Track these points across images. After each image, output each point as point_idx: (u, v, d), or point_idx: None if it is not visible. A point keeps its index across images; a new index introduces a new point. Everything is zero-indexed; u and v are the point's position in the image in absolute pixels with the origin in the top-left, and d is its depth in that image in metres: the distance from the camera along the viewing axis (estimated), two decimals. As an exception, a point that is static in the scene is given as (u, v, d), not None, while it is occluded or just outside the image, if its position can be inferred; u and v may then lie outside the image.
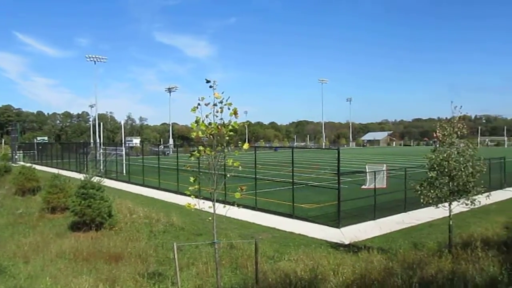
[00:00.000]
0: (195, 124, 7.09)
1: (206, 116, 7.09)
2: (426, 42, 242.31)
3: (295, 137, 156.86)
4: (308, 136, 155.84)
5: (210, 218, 7.71)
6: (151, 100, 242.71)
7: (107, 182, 34.41)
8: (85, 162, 42.23)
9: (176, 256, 8.06)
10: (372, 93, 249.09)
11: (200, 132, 7.10)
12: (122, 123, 77.66)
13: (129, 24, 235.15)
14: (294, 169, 20.94)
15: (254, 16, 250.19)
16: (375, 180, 23.12)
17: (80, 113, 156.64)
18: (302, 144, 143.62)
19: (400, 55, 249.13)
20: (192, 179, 7.36)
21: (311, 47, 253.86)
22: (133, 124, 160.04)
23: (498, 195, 24.16)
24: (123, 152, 42.41)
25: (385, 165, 32.73)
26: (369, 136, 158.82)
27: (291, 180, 20.54)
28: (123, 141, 55.92)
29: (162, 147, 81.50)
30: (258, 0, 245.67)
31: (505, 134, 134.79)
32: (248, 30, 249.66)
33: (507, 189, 28.58)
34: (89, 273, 10.98)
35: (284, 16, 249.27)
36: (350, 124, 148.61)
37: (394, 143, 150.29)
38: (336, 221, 17.57)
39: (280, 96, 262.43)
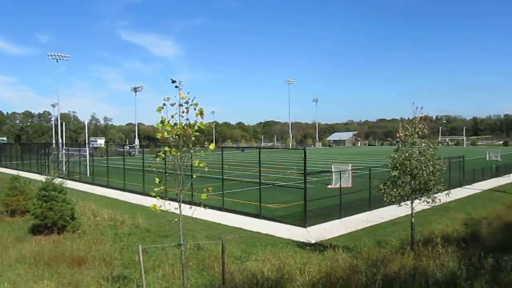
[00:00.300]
0: (161, 125, 7.01)
1: (172, 117, 7.02)
2: (389, 43, 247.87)
3: (262, 138, 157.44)
4: (275, 136, 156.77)
5: (176, 220, 7.62)
6: (116, 100, 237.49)
7: (70, 184, 33.30)
8: (46, 164, 40.97)
9: (141, 259, 7.93)
10: (338, 94, 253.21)
11: (165, 133, 7.02)
12: (86, 123, 75.78)
13: (92, 21, 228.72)
14: (261, 169, 21.01)
15: (221, 16, 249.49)
16: (340, 180, 23.51)
17: (41, 112, 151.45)
18: (269, 144, 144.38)
19: (366, 55, 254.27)
20: (157, 180, 7.27)
21: (278, 47, 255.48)
22: (97, 124, 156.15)
23: (458, 193, 25.05)
24: (87, 153, 41.38)
25: (350, 164, 33.30)
26: (335, 136, 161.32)
27: (258, 180, 20.60)
28: (86, 142, 54.62)
29: (128, 147, 79.99)
30: (225, 0, 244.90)
31: (464, 134, 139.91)
32: (215, 30, 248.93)
33: (466, 186, 29.67)
34: (51, 278, 10.64)
35: (251, 16, 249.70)
36: (317, 124, 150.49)
37: (359, 143, 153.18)
38: (303, 220, 17.76)
39: (247, 96, 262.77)
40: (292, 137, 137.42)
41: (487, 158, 56.80)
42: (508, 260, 7.95)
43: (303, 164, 18.47)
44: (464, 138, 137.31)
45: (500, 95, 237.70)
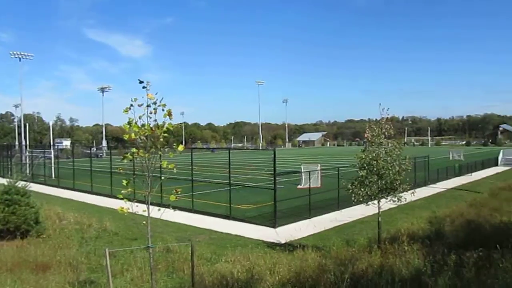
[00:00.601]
0: (128, 126, 6.89)
1: (140, 118, 6.90)
2: (356, 47, 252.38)
3: (232, 138, 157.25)
4: (245, 137, 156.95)
5: (144, 222, 7.50)
6: (82, 100, 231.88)
7: (34, 187, 32.47)
8: (9, 166, 39.53)
9: (108, 263, 7.77)
10: (307, 95, 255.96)
11: (133, 134, 6.90)
12: (51, 124, 73.49)
13: (57, 19, 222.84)
14: (231, 170, 20.98)
15: (191, 16, 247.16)
16: (310, 180, 23.77)
17: (3, 113, 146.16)
18: (240, 145, 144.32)
19: (334, 56, 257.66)
20: (125, 182, 7.13)
21: (247, 47, 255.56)
22: (63, 125, 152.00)
23: (423, 192, 25.76)
24: (52, 155, 40.27)
25: (319, 165, 33.70)
26: (304, 136, 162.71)
27: (228, 181, 20.57)
28: (51, 143, 53.11)
29: (95, 149, 78.28)
30: (195, 0, 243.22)
31: (429, 134, 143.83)
32: (185, 31, 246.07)
33: (430, 185, 30.54)
34: (14, 285, 10.27)
35: (221, 17, 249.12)
36: (286, 125, 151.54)
37: (328, 143, 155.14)
38: (273, 221, 17.84)
39: (217, 97, 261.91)
40: (262, 137, 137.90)
41: (451, 158, 58.58)
42: (470, 256, 8.22)
43: (273, 165, 18.56)
44: (429, 138, 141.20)
45: (462, 97, 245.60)
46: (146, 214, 7.37)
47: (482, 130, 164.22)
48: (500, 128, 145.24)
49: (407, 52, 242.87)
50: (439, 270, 7.73)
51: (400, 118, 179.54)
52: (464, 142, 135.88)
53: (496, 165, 49.83)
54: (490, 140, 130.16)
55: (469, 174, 38.94)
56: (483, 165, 46.01)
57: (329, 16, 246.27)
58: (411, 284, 7.05)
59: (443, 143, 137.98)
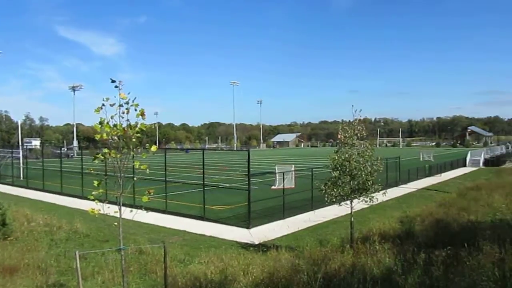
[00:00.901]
0: (99, 126, 6.76)
1: (111, 117, 6.79)
2: (329, 50, 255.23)
3: (206, 139, 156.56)
4: (219, 137, 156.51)
5: (116, 224, 7.39)
6: (53, 99, 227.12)
7: (1, 188, 31.69)
8: (-26, 167, 38.32)
9: (78, 265, 7.61)
10: (281, 96, 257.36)
11: (104, 134, 6.78)
12: (19, 123, 71.37)
13: (25, 15, 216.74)
14: (206, 171, 20.87)
15: (166, 15, 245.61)
16: (284, 181, 23.87)
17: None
18: (214, 145, 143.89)
19: (309, 57, 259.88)
20: (96, 183, 7.00)
21: (223, 48, 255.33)
22: (32, 124, 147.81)
23: (394, 192, 26.28)
24: (20, 155, 39.16)
25: (293, 165, 33.92)
26: (279, 137, 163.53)
27: (202, 182, 20.46)
28: (20, 143, 51.67)
29: (66, 149, 76.59)
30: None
31: (400, 136, 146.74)
32: (159, 30, 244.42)
33: (401, 186, 31.16)
34: (-21, 289, 9.98)
35: (196, 17, 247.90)
36: (261, 126, 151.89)
37: (302, 144, 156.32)
38: (247, 221, 17.85)
39: (191, 97, 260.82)
40: (237, 138, 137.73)
41: (421, 159, 59.91)
42: (438, 254, 8.43)
43: (247, 166, 18.56)
44: (400, 139, 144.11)
45: (433, 99, 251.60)
46: (117, 215, 7.26)
47: (451, 131, 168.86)
48: (468, 130, 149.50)
49: (382, 53, 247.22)
50: (409, 269, 7.90)
51: (373, 119, 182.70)
52: (434, 143, 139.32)
53: (464, 165, 51.26)
54: (459, 142, 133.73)
55: (439, 175, 39.93)
56: (452, 166, 47.28)
57: (306, 16, 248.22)
58: (382, 283, 7.17)
59: (414, 144, 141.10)
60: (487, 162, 52.47)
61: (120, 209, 7.18)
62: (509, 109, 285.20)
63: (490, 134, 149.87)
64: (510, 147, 70.99)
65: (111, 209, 7.15)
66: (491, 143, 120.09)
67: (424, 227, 13.96)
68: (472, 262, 7.64)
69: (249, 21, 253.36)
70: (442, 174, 40.47)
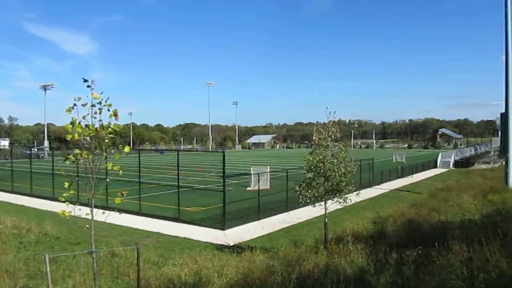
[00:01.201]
0: (71, 126, 6.63)
1: (83, 118, 6.66)
2: (305, 51, 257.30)
3: (182, 140, 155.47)
4: (195, 138, 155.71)
5: (87, 226, 7.25)
6: (23, 98, 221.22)
7: (-33, 190, 30.64)
8: None
9: (48, 269, 7.43)
10: (257, 97, 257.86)
11: (76, 135, 6.65)
12: (-13, 123, 69.40)
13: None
14: (180, 172, 20.71)
15: (140, 14, 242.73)
16: (259, 182, 23.92)
17: None
18: (189, 146, 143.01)
19: (284, 58, 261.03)
20: (67, 184, 6.86)
21: (198, 48, 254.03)
22: (1, 124, 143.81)
23: (367, 193, 26.68)
24: (-12, 156, 37.98)
25: (268, 167, 34.04)
26: (254, 139, 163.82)
27: (177, 183, 20.30)
28: (-12, 144, 50.14)
29: (36, 149, 74.68)
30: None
31: (374, 138, 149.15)
32: (134, 29, 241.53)
33: (375, 187, 31.66)
34: None
35: (172, 17, 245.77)
36: (236, 127, 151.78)
37: (277, 145, 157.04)
38: (222, 223, 17.80)
39: (166, 98, 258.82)
40: (212, 139, 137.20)
41: (394, 160, 61.01)
42: (409, 254, 8.58)
43: (222, 167, 18.52)
44: (374, 141, 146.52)
45: (405, 101, 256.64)
46: (89, 217, 7.12)
47: (422, 133, 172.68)
48: (439, 132, 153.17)
49: (355, 54, 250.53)
50: (381, 269, 8.02)
51: (347, 121, 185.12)
52: (406, 145, 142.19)
53: (435, 167, 52.47)
54: (430, 143, 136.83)
55: (411, 176, 40.74)
56: (423, 167, 48.34)
57: (280, 17, 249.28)
58: (355, 283, 7.26)
59: (387, 146, 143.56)
60: (457, 164, 53.85)
61: (92, 211, 7.06)
62: (478, 112, 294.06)
63: (460, 136, 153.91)
64: (478, 149, 73.00)
65: (82, 211, 7.02)
66: (460, 145, 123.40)
67: (396, 228, 14.19)
68: (442, 261, 7.81)
69: (224, 21, 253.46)
70: (414, 175, 41.32)
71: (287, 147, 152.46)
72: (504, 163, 29.43)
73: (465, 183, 29.15)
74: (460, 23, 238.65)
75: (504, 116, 27.70)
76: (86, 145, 6.88)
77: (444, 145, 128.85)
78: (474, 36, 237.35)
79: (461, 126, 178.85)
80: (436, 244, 8.97)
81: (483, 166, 51.06)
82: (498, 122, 46.39)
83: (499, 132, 39.22)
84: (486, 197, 20.32)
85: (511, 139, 26.27)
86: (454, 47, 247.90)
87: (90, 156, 6.80)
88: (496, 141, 60.52)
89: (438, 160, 54.01)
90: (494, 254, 7.54)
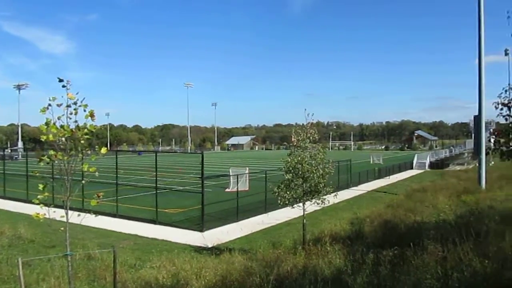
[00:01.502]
0: (45, 126, 6.49)
1: (58, 118, 6.54)
2: (284, 52, 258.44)
3: (160, 141, 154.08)
4: (173, 140, 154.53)
5: (62, 228, 7.11)
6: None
7: None
8: None
9: (21, 273, 7.25)
10: (236, 99, 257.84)
11: (51, 136, 6.52)
12: (-42, 123, 67.42)
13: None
14: (159, 173, 20.54)
15: (118, 14, 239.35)
16: (238, 183, 23.90)
17: None
18: (168, 148, 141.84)
19: (263, 59, 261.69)
20: (41, 186, 6.72)
21: (177, 50, 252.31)
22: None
23: (345, 194, 26.93)
24: (-41, 157, 36.86)
25: (247, 168, 34.05)
26: (233, 140, 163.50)
27: (155, 185, 20.11)
28: (-41, 145, 48.72)
29: (9, 150, 72.93)
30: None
31: (351, 139, 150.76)
32: (112, 28, 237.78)
33: (352, 188, 32.00)
34: None
35: (150, 17, 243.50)
36: (215, 128, 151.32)
37: (256, 147, 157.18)
38: (200, 225, 17.71)
39: (145, 99, 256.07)
40: (191, 140, 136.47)
41: (371, 162, 61.80)
42: (386, 254, 8.70)
43: (201, 168, 18.43)
44: (352, 143, 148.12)
45: (383, 104, 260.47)
46: (64, 219, 6.99)
47: (399, 135, 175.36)
48: (415, 134, 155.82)
49: (336, 56, 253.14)
50: (358, 269, 8.10)
51: (325, 123, 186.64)
52: (383, 147, 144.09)
53: (411, 168, 53.39)
54: (407, 145, 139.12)
55: (387, 177, 41.34)
56: (400, 169, 49.12)
57: (261, 18, 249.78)
58: (333, 283, 7.31)
59: (365, 147, 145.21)
60: (432, 165, 54.92)
61: (67, 213, 6.93)
62: (453, 114, 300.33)
63: (435, 138, 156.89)
64: (453, 151, 74.59)
65: (57, 213, 6.89)
66: (436, 146, 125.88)
67: (373, 228, 14.36)
68: (417, 261, 7.94)
69: (204, 22, 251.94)
70: (391, 177, 41.93)
71: (266, 149, 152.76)
72: (477, 164, 30.15)
73: (440, 184, 29.74)
74: (436, 25, 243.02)
75: (477, 119, 28.43)
76: (61, 146, 6.75)
77: (420, 147, 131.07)
78: (450, 39, 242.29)
79: (436, 128, 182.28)
80: (412, 244, 9.12)
81: (457, 168, 52.21)
82: (471, 125, 47.44)
83: (473, 134, 40.16)
84: (460, 197, 20.79)
85: (484, 141, 26.92)
86: (430, 50, 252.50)
87: (65, 158, 6.68)
88: (470, 143, 61.99)
89: (414, 162, 54.96)
90: (467, 254, 7.71)
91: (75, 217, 7.27)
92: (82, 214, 7.48)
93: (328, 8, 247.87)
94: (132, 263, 12.25)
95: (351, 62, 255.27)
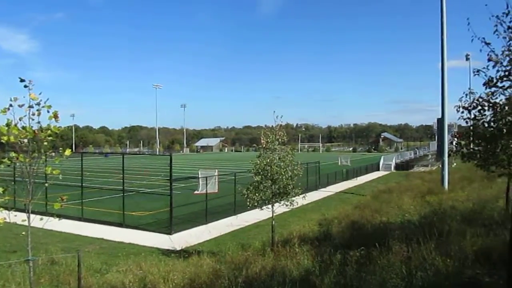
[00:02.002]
0: (6, 128, 6.28)
1: (20, 119, 6.34)
2: (252, 54, 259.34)
3: (127, 143, 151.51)
4: (141, 141, 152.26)
5: (24, 233, 6.89)
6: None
7: None
8: None
9: (-20, 279, 7.00)
10: (205, 100, 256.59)
11: (12, 137, 6.31)
12: None
13: None
14: (126, 176, 20.19)
15: (85, 14, 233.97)
16: (207, 185, 23.79)
17: None
18: (135, 150, 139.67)
19: (232, 61, 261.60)
20: (1, 189, 6.49)
21: (144, 51, 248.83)
22: None
23: (314, 195, 27.24)
24: None
25: (216, 170, 33.88)
26: (202, 142, 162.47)
27: (122, 187, 19.75)
28: None
29: (-32, 153, 69.93)
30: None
31: (320, 141, 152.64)
32: (78, 28, 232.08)
33: (321, 189, 32.39)
34: None
35: (117, 18, 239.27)
36: (184, 130, 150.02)
37: (226, 149, 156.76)
38: (168, 227, 17.53)
39: (112, 100, 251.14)
40: (159, 142, 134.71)
41: (339, 163, 62.71)
42: (353, 255, 8.82)
43: (169, 170, 18.24)
44: (320, 144, 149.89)
45: (350, 106, 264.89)
46: (26, 223, 6.77)
47: (366, 137, 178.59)
48: (381, 136, 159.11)
49: (305, 57, 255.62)
50: (325, 269, 8.18)
51: (295, 125, 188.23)
52: (351, 149, 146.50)
53: (378, 169, 54.52)
54: (373, 147, 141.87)
55: (355, 178, 42.07)
56: (367, 170, 50.08)
57: (230, 19, 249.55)
58: (301, 284, 7.36)
59: (333, 149, 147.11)
60: (398, 167, 56.24)
61: (28, 217, 6.72)
62: (417, 117, 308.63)
63: (401, 140, 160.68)
64: (417, 153, 76.56)
65: (18, 217, 6.67)
66: (401, 148, 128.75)
67: (341, 229, 14.56)
68: (383, 261, 8.09)
69: (174, 24, 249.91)
70: (358, 178, 42.69)
71: (235, 151, 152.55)
72: (440, 166, 31.06)
73: (405, 185, 30.46)
74: (401, 25, 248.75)
75: (440, 122, 29.33)
76: (23, 148, 6.55)
77: (386, 149, 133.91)
78: (414, 42, 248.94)
79: (402, 131, 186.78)
80: (378, 244, 9.28)
81: (422, 169, 53.65)
82: (435, 127, 48.87)
83: (436, 137, 41.38)
84: (424, 198, 21.32)
85: (447, 143, 27.77)
86: (395, 51, 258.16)
87: (27, 160, 6.49)
88: (434, 145, 63.71)
89: (381, 163, 56.14)
90: (430, 253, 7.92)
91: (37, 221, 7.05)
92: (45, 217, 7.25)
93: (297, 10, 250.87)
94: (98, 267, 11.98)
95: (320, 64, 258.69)
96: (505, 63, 6.21)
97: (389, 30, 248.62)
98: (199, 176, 31.05)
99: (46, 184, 7.30)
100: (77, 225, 18.33)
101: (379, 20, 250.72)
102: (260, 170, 12.68)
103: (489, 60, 6.32)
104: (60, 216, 7.75)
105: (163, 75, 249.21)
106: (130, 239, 16.22)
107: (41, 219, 7.14)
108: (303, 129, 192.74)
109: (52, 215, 7.43)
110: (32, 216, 6.79)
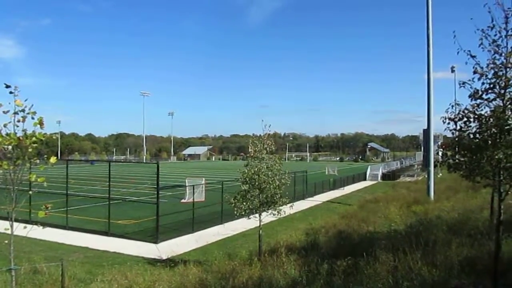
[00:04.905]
0: (-10, 134, 6.18)
1: (5, 126, 6.25)
2: (239, 62, 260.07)
3: (114, 150, 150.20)
4: (128, 149, 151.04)
5: (7, 241, 6.75)
6: None
7: None
8: None
9: (-40, 289, 6.83)
10: (193, 108, 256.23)
11: (-4, 143, 6.20)
12: None
13: None
14: (112, 183, 19.99)
15: (72, 20, 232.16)
16: (194, 194, 23.65)
17: None
18: (122, 157, 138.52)
19: (218, 73, 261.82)
20: (-17, 197, 6.38)
21: (133, 59, 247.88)
22: None
23: (301, 205, 27.26)
24: None
25: (204, 179, 33.75)
26: (190, 150, 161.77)
27: (108, 195, 19.53)
28: None
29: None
30: (77, 3, 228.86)
31: (308, 150, 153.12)
32: (66, 35, 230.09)
33: (308, 199, 32.43)
34: None
35: (105, 25, 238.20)
36: (172, 138, 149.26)
37: (213, 157, 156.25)
38: (155, 236, 17.36)
39: (99, 107, 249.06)
40: (147, 150, 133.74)
41: (327, 173, 62.80)
42: (340, 264, 8.84)
43: (156, 178, 18.10)
44: (308, 154, 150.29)
45: (338, 116, 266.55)
46: (9, 232, 6.65)
47: (353, 147, 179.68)
48: (368, 146, 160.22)
49: (292, 65, 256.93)
50: (313, 279, 8.17)
51: (282, 134, 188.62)
52: (338, 158, 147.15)
53: (365, 179, 54.83)
54: (360, 157, 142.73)
55: (342, 188, 42.22)
56: (354, 180, 50.32)
57: (219, 28, 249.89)
58: (287, 294, 7.35)
59: (320, 158, 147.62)
60: (384, 176, 56.60)
61: (11, 225, 6.59)
62: (403, 127, 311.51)
63: (387, 150, 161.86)
64: (404, 163, 77.22)
65: (1, 226, 6.55)
66: (388, 158, 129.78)
67: (328, 238, 14.58)
68: (370, 270, 8.11)
69: (161, 31, 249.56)
70: (345, 188, 42.85)
71: (223, 159, 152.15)
72: (426, 176, 31.35)
73: (391, 195, 30.64)
74: (389, 34, 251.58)
75: (426, 132, 29.63)
76: (7, 155, 6.45)
77: (373, 159, 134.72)
78: (400, 52, 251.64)
79: (388, 141, 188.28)
80: (365, 254, 9.31)
81: (408, 179, 54.08)
82: (421, 138, 49.37)
83: (422, 147, 41.78)
84: (410, 208, 21.48)
85: (433, 154, 28.06)
86: (382, 61, 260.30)
87: (11, 167, 6.38)
88: (420, 156, 64.28)
89: (367, 173, 56.46)
90: (417, 263, 7.97)
91: (21, 229, 6.93)
92: (29, 226, 7.13)
93: (284, 19, 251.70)
94: (82, 277, 11.79)
95: (307, 73, 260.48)
96: (490, 76, 6.34)
97: (375, 39, 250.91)
98: (186, 185, 30.88)
99: (30, 192, 7.17)
100: (61, 234, 18.06)
101: (365, 29, 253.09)
102: (248, 179, 12.66)
103: (474, 72, 6.45)
104: (44, 224, 7.62)
105: (150, 83, 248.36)
106: (115, 248, 16.02)
107: (25, 227, 7.02)
108: (291, 138, 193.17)
109: (36, 223, 7.30)
110: (15, 224, 6.66)
